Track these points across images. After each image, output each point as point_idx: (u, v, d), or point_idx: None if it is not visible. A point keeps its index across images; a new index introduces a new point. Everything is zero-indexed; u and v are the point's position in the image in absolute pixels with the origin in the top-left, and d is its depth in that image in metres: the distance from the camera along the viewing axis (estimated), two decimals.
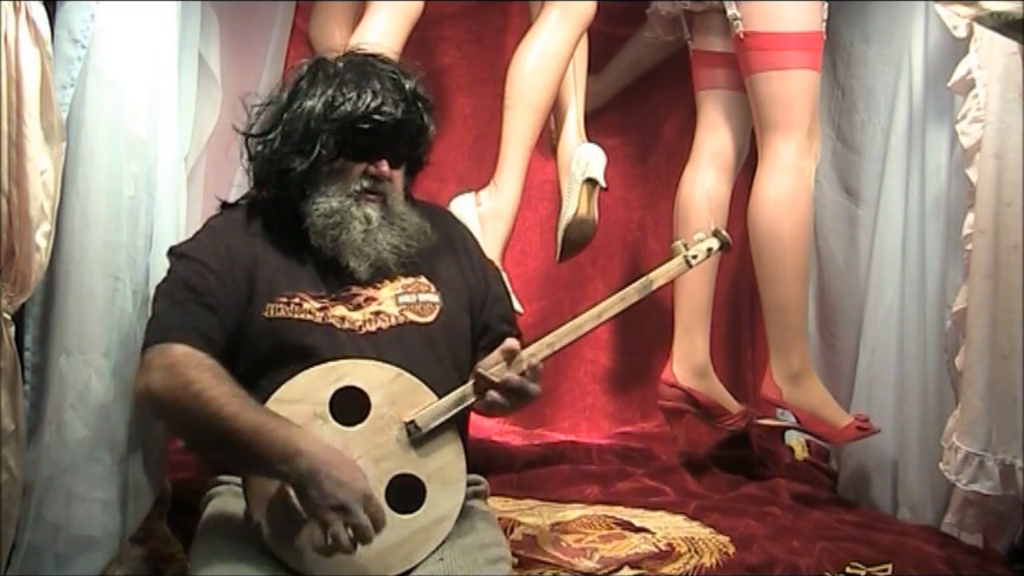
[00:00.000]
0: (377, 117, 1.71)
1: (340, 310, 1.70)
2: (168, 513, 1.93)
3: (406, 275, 1.76)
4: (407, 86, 1.75)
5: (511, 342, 1.63)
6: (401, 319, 1.71)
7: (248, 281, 1.69)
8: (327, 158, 1.73)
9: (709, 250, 1.80)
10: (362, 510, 1.45)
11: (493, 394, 1.61)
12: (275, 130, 1.75)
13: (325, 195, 1.73)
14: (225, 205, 1.85)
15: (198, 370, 1.55)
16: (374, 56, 1.79)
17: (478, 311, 1.83)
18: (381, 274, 1.73)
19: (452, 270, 1.82)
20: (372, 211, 1.73)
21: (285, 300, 1.68)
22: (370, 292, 1.73)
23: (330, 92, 1.72)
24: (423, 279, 1.77)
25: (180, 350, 1.59)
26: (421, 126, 1.77)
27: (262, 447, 1.49)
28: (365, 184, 1.74)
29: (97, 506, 1.71)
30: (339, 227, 1.71)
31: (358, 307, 1.71)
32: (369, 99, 1.71)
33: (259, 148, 1.77)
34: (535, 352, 1.64)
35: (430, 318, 1.73)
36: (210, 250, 1.71)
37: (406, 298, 1.74)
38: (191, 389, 1.53)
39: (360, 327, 1.69)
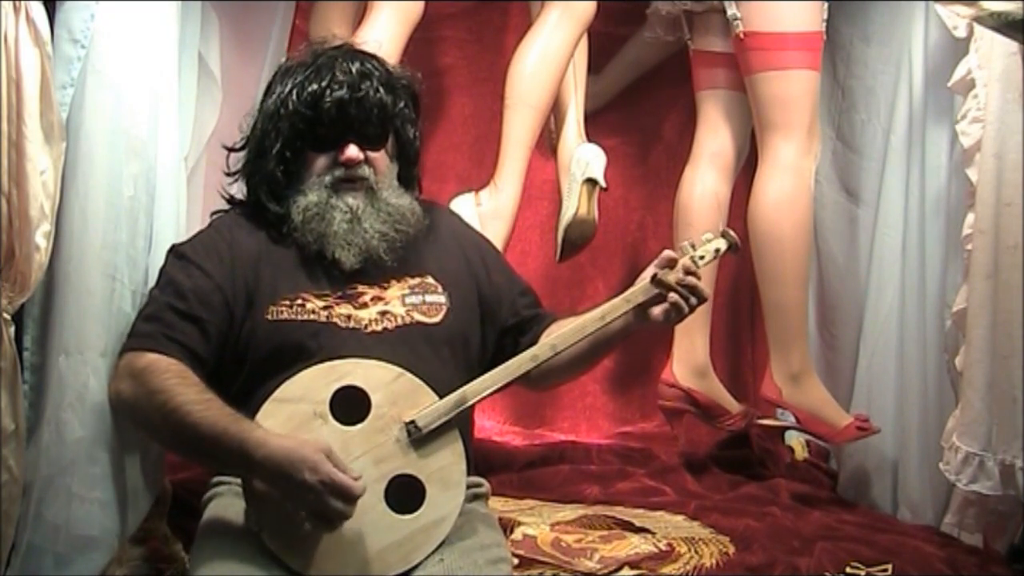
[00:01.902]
0: (326, 101, 1.70)
1: (346, 309, 1.69)
2: (168, 513, 1.93)
3: (413, 275, 1.76)
4: (358, 67, 1.73)
5: (668, 252, 1.70)
6: (408, 319, 1.71)
7: (249, 282, 1.69)
8: (293, 153, 1.73)
9: (717, 251, 1.79)
10: (334, 480, 1.43)
11: (673, 296, 1.66)
12: (249, 138, 1.78)
13: (302, 192, 1.73)
14: (232, 201, 1.85)
15: (163, 378, 1.57)
16: (335, 48, 1.79)
17: (496, 309, 1.82)
18: (373, 264, 1.71)
19: (460, 270, 1.81)
20: (353, 199, 1.72)
21: (288, 302, 1.68)
22: (377, 291, 1.72)
23: (285, 88, 1.74)
24: (430, 279, 1.77)
25: (149, 358, 1.60)
26: (381, 102, 1.73)
27: (223, 457, 1.52)
28: (338, 173, 1.73)
29: (96, 506, 1.71)
30: (320, 220, 1.70)
31: (364, 306, 1.71)
32: (316, 86, 1.71)
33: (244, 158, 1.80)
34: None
35: (437, 319, 1.73)
36: (211, 251, 1.71)
37: (413, 298, 1.73)
38: (155, 400, 1.55)
39: (366, 326, 1.68)
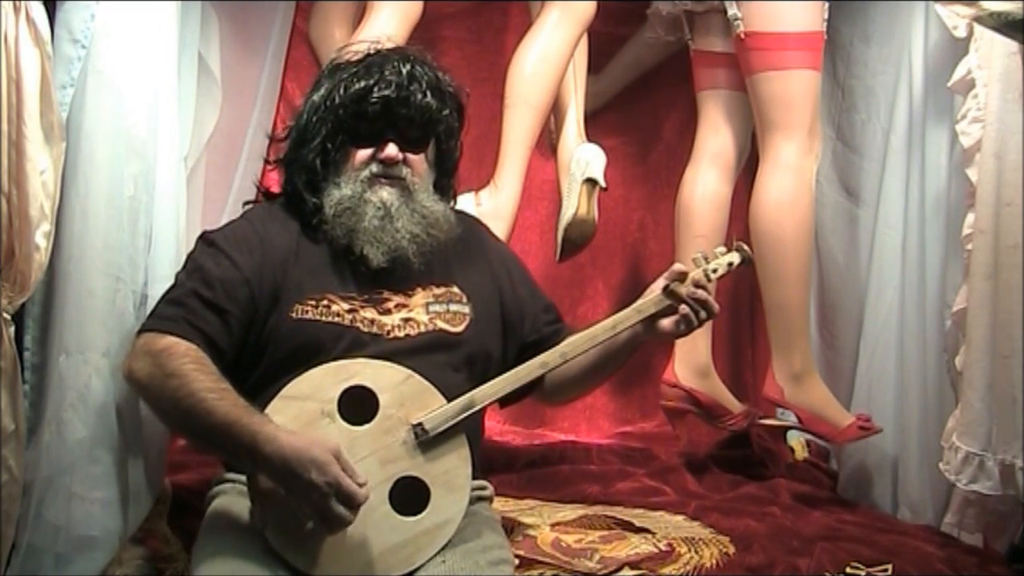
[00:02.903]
0: (372, 98, 1.71)
1: (370, 313, 1.69)
2: (168, 513, 1.93)
3: (438, 284, 1.75)
4: (408, 69, 1.73)
5: (678, 265, 1.72)
6: (431, 327, 1.71)
7: (277, 279, 1.68)
8: (334, 147, 1.73)
9: (730, 265, 1.79)
10: (340, 484, 1.43)
11: (684, 308, 1.67)
12: (293, 128, 1.78)
13: (337, 185, 1.72)
14: (266, 195, 1.85)
15: (180, 362, 1.55)
16: (388, 49, 1.80)
17: (518, 323, 1.82)
18: (401, 266, 1.71)
19: (485, 282, 1.81)
20: (388, 195, 1.71)
21: (313, 302, 1.67)
22: (401, 298, 1.72)
23: (334, 82, 1.74)
24: (455, 288, 1.76)
25: (168, 340, 1.59)
26: (426, 106, 1.73)
27: (233, 447, 1.51)
28: (375, 169, 1.73)
29: (97, 506, 1.71)
30: (352, 214, 1.70)
31: (388, 312, 1.70)
32: (364, 83, 1.72)
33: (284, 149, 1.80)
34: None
35: (459, 328, 1.73)
36: (242, 242, 1.70)
37: (437, 307, 1.73)
38: (170, 383, 1.54)
39: (389, 332, 1.68)
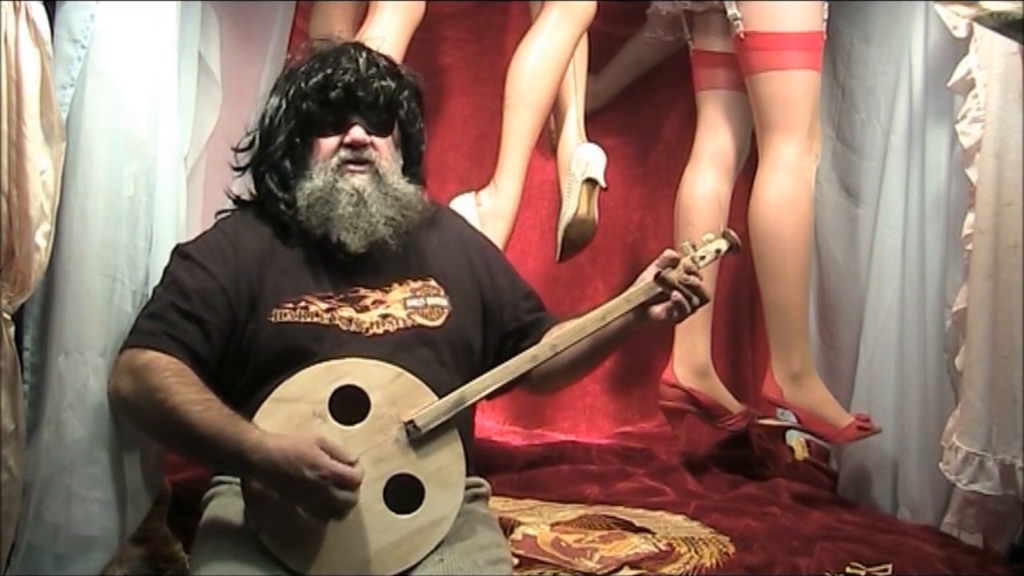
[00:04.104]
0: (333, 86, 1.72)
1: (347, 311, 1.69)
2: (168, 513, 1.93)
3: (415, 278, 1.75)
4: (364, 56, 1.76)
5: (669, 252, 1.70)
6: (409, 322, 1.71)
7: (253, 284, 1.69)
8: (301, 140, 1.74)
9: (718, 251, 1.79)
10: (334, 472, 1.44)
11: (677, 295, 1.66)
12: (256, 133, 1.79)
13: (307, 177, 1.73)
14: (238, 202, 1.85)
15: (162, 376, 1.57)
16: (342, 42, 1.82)
17: (498, 313, 1.82)
18: (379, 249, 1.71)
19: (463, 273, 1.81)
20: (360, 181, 1.72)
21: (291, 304, 1.68)
22: (378, 295, 1.72)
23: (292, 81, 1.76)
24: (432, 282, 1.76)
25: (149, 355, 1.61)
26: (387, 88, 1.75)
27: (221, 458, 1.53)
28: (344, 155, 1.73)
29: (96, 506, 1.71)
30: (326, 204, 1.70)
31: (365, 309, 1.70)
32: (323, 74, 1.73)
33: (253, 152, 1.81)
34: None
35: (438, 322, 1.73)
36: (216, 252, 1.71)
37: (414, 301, 1.73)
38: (154, 398, 1.55)
39: (367, 329, 1.68)
